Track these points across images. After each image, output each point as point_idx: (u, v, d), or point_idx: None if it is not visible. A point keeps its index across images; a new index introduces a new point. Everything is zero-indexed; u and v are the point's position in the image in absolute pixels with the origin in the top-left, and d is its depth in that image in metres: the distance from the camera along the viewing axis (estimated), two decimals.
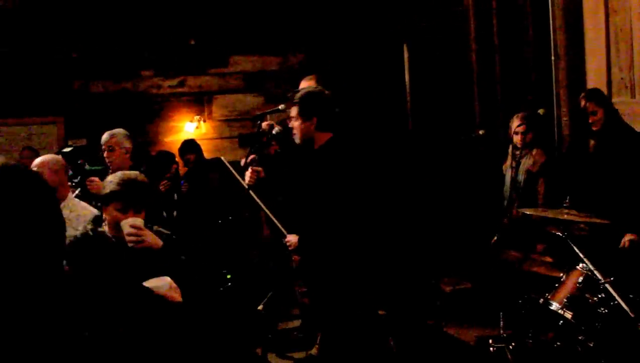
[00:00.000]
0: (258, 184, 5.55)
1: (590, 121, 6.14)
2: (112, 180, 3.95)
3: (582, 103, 6.21)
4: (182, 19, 10.40)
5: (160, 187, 8.22)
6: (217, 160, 8.68)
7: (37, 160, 5.48)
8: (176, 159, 8.89)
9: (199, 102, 10.86)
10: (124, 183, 3.92)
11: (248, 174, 5.55)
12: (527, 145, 6.56)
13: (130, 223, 3.80)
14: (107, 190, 3.92)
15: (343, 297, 5.12)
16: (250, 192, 5.62)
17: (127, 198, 3.87)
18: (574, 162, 6.55)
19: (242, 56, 10.96)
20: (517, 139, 6.55)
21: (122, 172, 4.12)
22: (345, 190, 4.94)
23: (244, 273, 7.05)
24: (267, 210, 5.63)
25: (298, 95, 5.16)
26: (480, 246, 6.81)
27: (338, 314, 5.22)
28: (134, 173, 4.11)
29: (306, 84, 5.88)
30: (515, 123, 6.60)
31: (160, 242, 3.81)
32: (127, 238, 3.79)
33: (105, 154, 6.48)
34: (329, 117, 5.11)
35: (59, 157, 5.68)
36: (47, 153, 8.43)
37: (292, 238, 5.22)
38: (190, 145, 9.07)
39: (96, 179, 6.09)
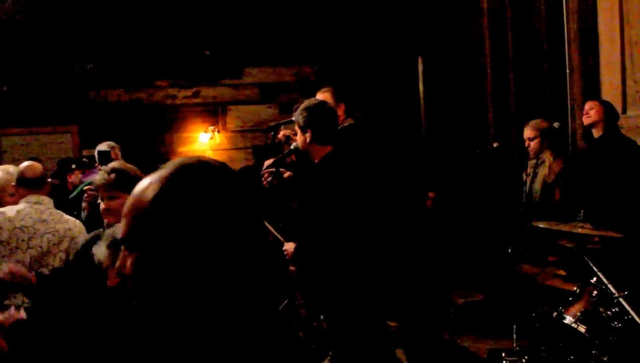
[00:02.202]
0: (274, 188, 5.57)
1: (584, 117, 6.19)
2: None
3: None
4: (197, 30, 10.43)
5: None
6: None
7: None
8: None
9: (213, 112, 10.89)
10: (112, 170, 4.01)
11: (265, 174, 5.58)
12: (538, 152, 6.57)
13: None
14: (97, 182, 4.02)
15: (342, 310, 5.11)
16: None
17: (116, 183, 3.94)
18: (585, 173, 6.54)
19: (257, 67, 10.98)
20: (526, 145, 6.59)
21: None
22: (340, 206, 4.91)
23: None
24: (271, 228, 5.66)
25: (296, 107, 5.19)
26: (493, 258, 6.80)
27: (344, 328, 5.21)
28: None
29: (321, 96, 5.89)
30: (525, 132, 6.64)
31: None
32: None
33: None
34: (325, 130, 5.07)
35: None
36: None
37: (289, 247, 5.23)
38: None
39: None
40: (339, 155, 5.09)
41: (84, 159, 8.41)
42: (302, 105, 5.16)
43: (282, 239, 5.53)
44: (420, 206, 8.40)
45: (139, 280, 1.43)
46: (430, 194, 8.51)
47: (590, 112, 6.20)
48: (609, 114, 6.21)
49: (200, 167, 1.49)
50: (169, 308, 1.40)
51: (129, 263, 1.44)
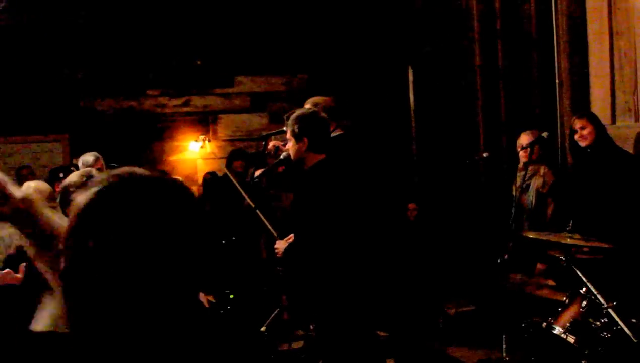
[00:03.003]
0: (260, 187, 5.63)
1: (577, 137, 6.17)
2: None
3: (572, 122, 6.28)
4: (188, 39, 10.43)
5: None
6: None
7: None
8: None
9: (204, 121, 10.89)
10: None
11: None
12: (533, 162, 6.59)
13: None
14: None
15: (332, 319, 5.13)
16: (257, 211, 5.68)
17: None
18: (574, 184, 6.57)
19: (248, 76, 10.99)
20: (523, 154, 6.59)
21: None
22: (330, 213, 4.95)
23: (247, 293, 7.05)
24: (265, 221, 5.68)
25: (289, 116, 5.21)
26: (484, 268, 6.81)
27: (336, 336, 5.23)
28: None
29: (310, 104, 5.92)
30: (523, 138, 6.66)
31: None
32: None
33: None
34: (321, 138, 5.14)
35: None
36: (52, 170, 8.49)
37: (280, 246, 5.25)
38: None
39: None
40: (332, 163, 5.14)
41: (72, 168, 8.35)
42: (297, 114, 5.20)
43: (274, 235, 5.57)
44: (400, 217, 8.42)
45: (67, 283, 1.44)
46: (411, 206, 8.53)
47: (584, 132, 6.14)
48: (599, 128, 6.21)
49: (136, 179, 1.49)
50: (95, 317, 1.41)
51: (62, 265, 1.46)
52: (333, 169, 5.14)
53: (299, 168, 5.19)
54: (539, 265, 6.23)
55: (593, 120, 6.22)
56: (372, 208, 5.76)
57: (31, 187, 4.72)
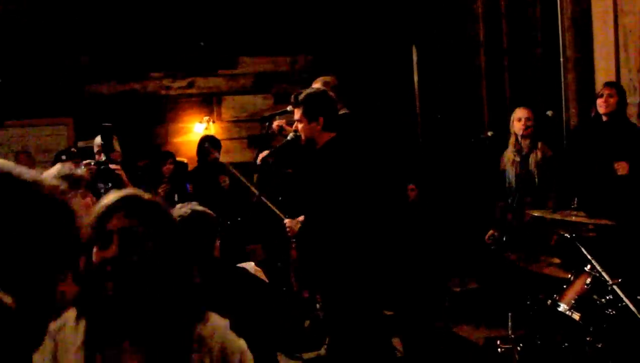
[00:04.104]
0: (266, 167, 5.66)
1: (601, 102, 6.19)
2: None
3: (600, 89, 6.29)
4: (192, 21, 10.40)
5: (159, 191, 8.21)
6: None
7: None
8: (171, 159, 8.81)
9: (208, 103, 10.88)
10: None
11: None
12: (530, 135, 6.62)
13: None
14: None
15: (344, 296, 5.15)
16: (262, 197, 5.71)
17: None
18: (581, 160, 6.57)
19: (252, 57, 10.97)
20: (519, 125, 6.62)
21: None
22: (347, 189, 5.00)
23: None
24: (272, 206, 5.71)
25: (302, 96, 5.21)
26: (489, 246, 6.83)
27: (343, 314, 5.26)
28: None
29: (316, 85, 5.93)
30: (519, 112, 6.68)
31: None
32: None
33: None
34: (333, 117, 5.18)
35: None
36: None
37: (290, 223, 5.27)
38: (214, 141, 8.98)
39: None
40: (343, 141, 5.19)
41: (73, 149, 8.28)
42: (310, 94, 5.24)
43: (281, 215, 5.59)
44: (402, 197, 8.43)
45: None
46: (410, 186, 8.52)
47: (611, 101, 6.19)
48: (623, 100, 6.26)
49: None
50: None
51: None
52: (345, 147, 5.18)
53: (310, 147, 5.21)
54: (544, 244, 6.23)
55: (621, 92, 6.26)
56: (380, 186, 5.79)
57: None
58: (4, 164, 1.54)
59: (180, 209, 3.49)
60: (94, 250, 2.03)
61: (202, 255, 3.38)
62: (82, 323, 2.13)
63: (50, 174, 4.47)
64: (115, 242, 2.01)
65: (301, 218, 5.26)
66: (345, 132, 5.28)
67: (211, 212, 3.60)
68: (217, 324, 2.23)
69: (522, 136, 6.65)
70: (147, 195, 2.14)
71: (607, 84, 6.37)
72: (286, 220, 5.35)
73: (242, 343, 2.26)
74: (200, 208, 3.57)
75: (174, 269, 2.08)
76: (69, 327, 2.15)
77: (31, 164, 8.87)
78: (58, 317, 2.18)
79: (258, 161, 5.78)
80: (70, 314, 2.16)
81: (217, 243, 3.59)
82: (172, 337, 2.08)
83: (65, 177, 3.91)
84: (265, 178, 6.47)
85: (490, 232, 6.83)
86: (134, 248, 2.01)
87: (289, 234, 5.34)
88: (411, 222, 8.17)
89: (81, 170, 4.22)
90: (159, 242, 2.04)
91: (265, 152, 5.82)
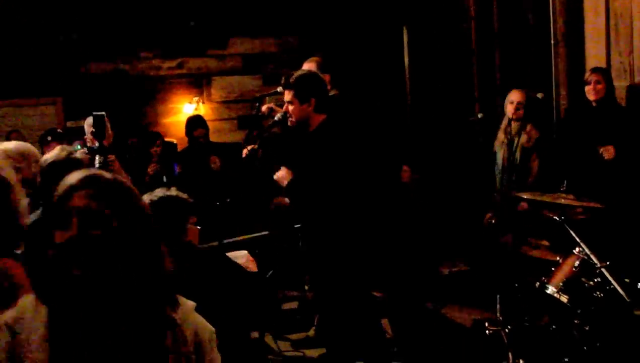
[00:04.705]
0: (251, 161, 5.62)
1: (589, 89, 6.24)
2: None
3: (587, 75, 6.32)
4: (182, 1, 10.36)
5: (149, 171, 8.18)
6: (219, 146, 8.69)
7: None
8: (159, 141, 8.76)
9: (198, 83, 10.84)
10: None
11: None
12: (520, 119, 6.65)
13: None
14: None
15: (334, 278, 5.16)
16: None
17: None
18: (571, 142, 6.60)
19: (241, 38, 10.92)
20: (511, 108, 6.66)
21: None
22: (341, 170, 4.99)
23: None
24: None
25: (294, 78, 5.19)
26: (478, 229, 6.85)
27: (332, 296, 5.27)
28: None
29: (308, 66, 5.92)
30: (513, 94, 6.71)
31: None
32: None
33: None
34: (324, 99, 5.17)
35: None
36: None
37: (281, 173, 5.27)
38: (199, 120, 8.93)
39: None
40: (335, 123, 5.20)
41: (59, 130, 8.20)
42: (302, 75, 5.23)
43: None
44: (396, 178, 8.42)
45: None
46: (405, 168, 8.50)
47: (598, 87, 6.24)
48: (611, 87, 6.30)
49: None
50: None
51: None
52: (339, 129, 5.18)
53: (302, 129, 5.20)
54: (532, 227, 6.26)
55: (608, 77, 6.31)
56: (373, 168, 5.80)
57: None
58: None
59: (154, 193, 3.49)
60: (56, 231, 1.96)
61: (171, 239, 3.35)
62: (43, 311, 2.01)
63: (51, 157, 4.45)
64: (74, 221, 1.94)
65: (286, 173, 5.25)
66: (336, 114, 5.27)
67: (185, 196, 3.58)
68: (188, 308, 2.18)
69: (513, 119, 6.69)
70: (109, 175, 2.07)
71: (594, 70, 6.41)
72: (279, 173, 5.33)
73: (210, 326, 2.23)
74: (173, 192, 3.55)
75: (140, 250, 2.01)
76: (27, 316, 2.02)
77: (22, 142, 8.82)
78: (10, 305, 2.09)
79: (243, 155, 5.70)
80: (27, 301, 2.06)
81: (191, 227, 3.57)
82: (144, 322, 2.01)
83: (65, 161, 3.91)
84: (251, 172, 6.44)
85: (488, 215, 6.86)
86: (93, 227, 1.94)
87: (278, 183, 5.34)
88: (404, 203, 8.17)
89: (80, 154, 4.21)
90: (122, 221, 1.98)
91: (249, 147, 5.76)
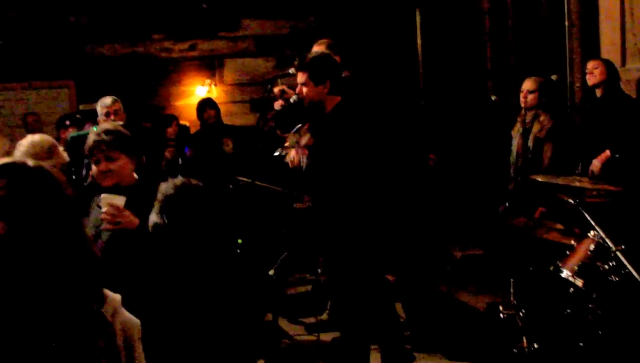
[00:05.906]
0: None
1: (588, 75, 6.25)
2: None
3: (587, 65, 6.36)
4: None
5: (166, 155, 8.19)
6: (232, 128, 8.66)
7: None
8: (175, 121, 8.77)
9: (210, 66, 10.83)
10: (108, 131, 3.95)
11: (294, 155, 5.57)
12: (533, 107, 6.60)
13: (109, 202, 3.73)
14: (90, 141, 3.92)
15: (348, 261, 5.15)
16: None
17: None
18: (584, 128, 6.58)
19: (254, 20, 10.89)
20: (521, 97, 6.63)
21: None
22: (360, 152, 4.98)
23: (255, 238, 7.05)
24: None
25: (308, 59, 5.16)
26: (492, 212, 6.82)
27: (346, 279, 5.26)
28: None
29: (318, 48, 5.89)
30: (525, 83, 6.66)
31: (136, 221, 3.71)
32: (103, 216, 3.73)
33: (111, 118, 6.37)
34: (338, 80, 5.15)
35: None
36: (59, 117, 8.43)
37: (293, 153, 5.30)
38: (209, 102, 8.93)
39: None
40: (351, 104, 5.18)
41: (77, 116, 8.25)
42: (317, 57, 5.22)
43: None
44: (422, 161, 8.38)
45: None
46: (431, 156, 8.46)
47: (595, 72, 6.26)
48: (612, 73, 6.27)
49: None
50: None
51: None
52: (356, 110, 5.16)
53: (316, 111, 5.18)
54: (540, 209, 6.22)
55: (606, 63, 6.32)
56: (389, 149, 5.78)
57: (25, 145, 4.49)
58: None
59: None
60: None
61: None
62: None
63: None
64: None
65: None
66: (351, 95, 5.25)
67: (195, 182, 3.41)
68: (116, 302, 2.07)
69: (525, 108, 6.64)
70: (31, 162, 1.99)
71: (590, 61, 6.48)
72: (291, 152, 5.34)
73: (137, 320, 2.14)
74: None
75: (57, 244, 1.91)
76: None
77: (39, 126, 8.86)
78: None
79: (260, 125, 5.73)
80: None
81: None
82: (70, 324, 1.89)
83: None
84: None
85: (502, 207, 6.83)
86: (8, 217, 1.86)
87: (291, 166, 5.35)
88: (428, 189, 8.14)
89: None
90: (34, 212, 1.90)
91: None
